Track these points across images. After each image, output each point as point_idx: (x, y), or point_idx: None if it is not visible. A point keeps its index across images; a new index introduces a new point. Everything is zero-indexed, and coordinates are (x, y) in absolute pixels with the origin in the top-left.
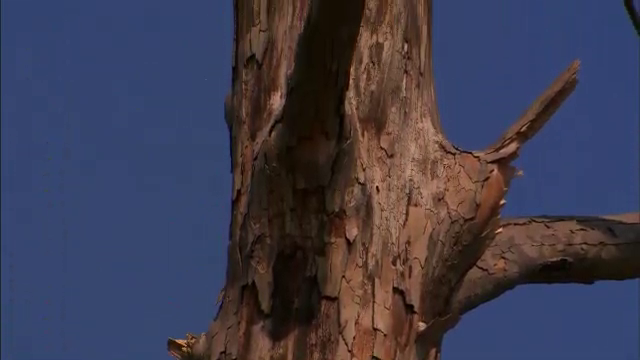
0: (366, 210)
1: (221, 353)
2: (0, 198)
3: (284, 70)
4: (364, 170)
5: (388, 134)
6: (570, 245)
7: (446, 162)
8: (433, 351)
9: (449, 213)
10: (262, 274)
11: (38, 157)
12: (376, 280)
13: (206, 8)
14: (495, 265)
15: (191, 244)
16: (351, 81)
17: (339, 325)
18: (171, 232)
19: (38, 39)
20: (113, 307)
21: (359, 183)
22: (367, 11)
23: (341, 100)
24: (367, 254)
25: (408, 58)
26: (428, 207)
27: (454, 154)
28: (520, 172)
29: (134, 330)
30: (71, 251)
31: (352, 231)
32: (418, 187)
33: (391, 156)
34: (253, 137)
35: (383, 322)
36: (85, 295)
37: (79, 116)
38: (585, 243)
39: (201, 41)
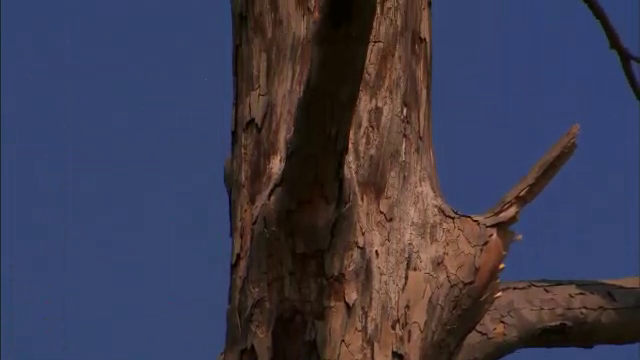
0: (365, 274)
1: None
2: (0, 198)
3: (283, 134)
4: (363, 234)
5: (387, 198)
6: (569, 309)
7: (445, 226)
8: None
9: (448, 277)
10: (261, 338)
11: (38, 157)
12: (375, 344)
13: (207, 8)
14: (494, 329)
15: (191, 244)
16: (350, 145)
17: None
18: (171, 232)
19: (38, 39)
20: (113, 307)
21: (358, 247)
22: (366, 75)
23: (340, 164)
24: (366, 318)
25: (407, 122)
26: (427, 271)
27: (453, 218)
28: (519, 236)
29: (134, 330)
30: (71, 251)
31: (351, 295)
32: (417, 251)
33: (390, 220)
34: (252, 201)
35: None
36: (85, 295)
37: (79, 116)
38: (584, 307)
39: (201, 40)
